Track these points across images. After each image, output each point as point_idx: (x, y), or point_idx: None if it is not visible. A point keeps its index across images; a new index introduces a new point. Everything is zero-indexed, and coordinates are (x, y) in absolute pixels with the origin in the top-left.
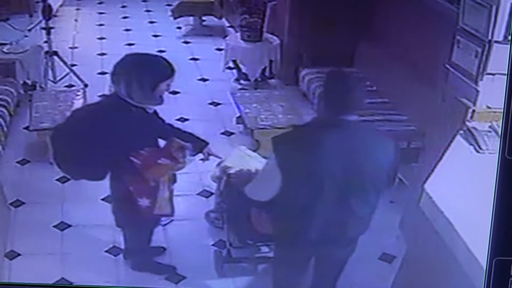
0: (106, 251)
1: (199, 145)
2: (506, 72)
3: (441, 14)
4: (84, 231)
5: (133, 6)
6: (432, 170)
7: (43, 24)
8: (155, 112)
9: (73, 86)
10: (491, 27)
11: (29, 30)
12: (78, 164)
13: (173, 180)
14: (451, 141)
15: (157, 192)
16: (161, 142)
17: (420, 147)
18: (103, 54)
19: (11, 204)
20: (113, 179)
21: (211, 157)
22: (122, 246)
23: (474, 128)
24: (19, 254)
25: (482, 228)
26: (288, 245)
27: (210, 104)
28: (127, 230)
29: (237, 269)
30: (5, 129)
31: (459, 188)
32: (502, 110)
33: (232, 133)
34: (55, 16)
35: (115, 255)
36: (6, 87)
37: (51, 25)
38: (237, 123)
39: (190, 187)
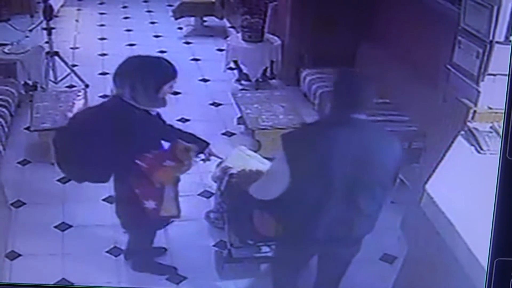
0: (107, 252)
1: (200, 145)
2: (507, 73)
3: (442, 14)
4: (85, 232)
5: (134, 7)
6: (433, 171)
7: (44, 25)
8: (158, 114)
9: (74, 86)
10: (492, 28)
11: (30, 30)
12: (81, 167)
13: (177, 181)
14: (452, 142)
15: (163, 194)
16: (163, 144)
17: (421, 147)
18: (104, 54)
19: (12, 204)
20: (118, 181)
21: (212, 157)
22: (123, 247)
23: (475, 128)
24: (20, 255)
25: (483, 229)
26: (292, 245)
27: (211, 104)
28: (132, 231)
29: (238, 269)
30: (6, 129)
31: (460, 189)
32: (503, 111)
33: (233, 134)
34: (56, 16)
35: (116, 256)
36: (7, 88)
37: (52, 26)
38: (238, 123)
39: (191, 187)
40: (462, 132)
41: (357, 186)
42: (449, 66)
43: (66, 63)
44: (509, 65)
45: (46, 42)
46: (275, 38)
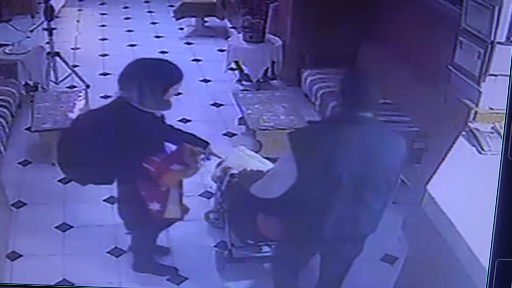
0: (108, 252)
1: (200, 145)
2: (508, 73)
3: (444, 15)
4: (85, 232)
5: (135, 7)
6: (435, 171)
7: (45, 25)
8: (162, 116)
9: (75, 87)
10: (494, 28)
11: (31, 31)
12: (86, 169)
13: (181, 183)
14: (453, 142)
15: (168, 197)
16: (167, 146)
17: (423, 148)
18: (105, 55)
19: (12, 205)
20: (122, 183)
21: (212, 157)
22: (124, 247)
23: (477, 129)
24: (20, 255)
25: (484, 229)
26: (296, 244)
27: (212, 105)
28: (135, 232)
29: (238, 269)
30: (7, 130)
31: (462, 189)
32: (504, 111)
33: (234, 134)
34: (57, 17)
35: (116, 256)
36: (8, 88)
37: (53, 26)
38: (239, 124)
39: (192, 188)
40: (464, 133)
41: (364, 183)
42: (450, 67)
43: (67, 64)
44: (510, 65)
45: (47, 43)
46: (276, 38)
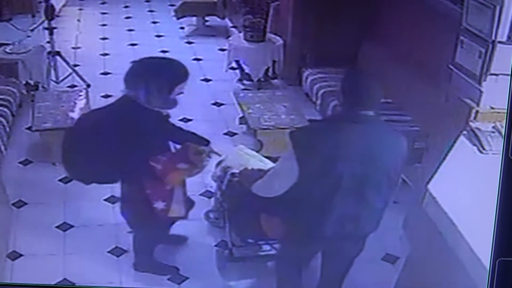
0: (109, 252)
1: (202, 144)
2: (509, 73)
3: (445, 14)
4: (86, 232)
5: (136, 6)
6: (436, 171)
7: (45, 24)
8: (167, 114)
9: (75, 86)
10: (495, 28)
11: (32, 30)
12: (91, 168)
13: (185, 182)
14: (454, 142)
15: (173, 195)
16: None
17: (424, 147)
18: (105, 54)
19: (13, 204)
20: (127, 182)
21: (213, 155)
22: (125, 247)
23: (478, 128)
24: (21, 255)
25: (485, 229)
26: (298, 242)
27: (213, 104)
28: (138, 231)
29: (239, 268)
30: (8, 129)
31: (463, 189)
32: (505, 111)
33: (235, 134)
34: (57, 16)
35: (117, 256)
36: (8, 87)
37: (53, 25)
38: (240, 123)
39: (192, 187)
40: (465, 132)
41: (365, 182)
42: (451, 66)
43: (67, 63)
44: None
45: (48, 42)
46: (277, 38)
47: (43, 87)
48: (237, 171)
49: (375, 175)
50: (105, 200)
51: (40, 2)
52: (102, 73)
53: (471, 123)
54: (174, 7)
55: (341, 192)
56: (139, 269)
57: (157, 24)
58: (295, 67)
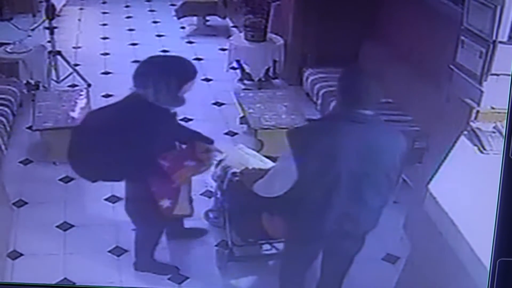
0: (109, 251)
1: (206, 143)
2: (510, 73)
3: (446, 14)
4: (87, 231)
5: (136, 6)
6: (436, 171)
7: (46, 24)
8: (175, 113)
9: (76, 86)
10: (496, 28)
11: (33, 29)
12: (98, 165)
13: (191, 181)
14: (455, 142)
15: (179, 193)
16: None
17: (424, 147)
18: (106, 54)
19: (13, 204)
20: (133, 179)
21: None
22: (126, 247)
23: (478, 128)
24: (21, 254)
25: (486, 229)
26: (299, 242)
27: (214, 104)
28: (143, 229)
29: (240, 268)
30: (8, 129)
31: (463, 189)
32: (506, 111)
33: (235, 133)
34: (58, 15)
35: (118, 256)
36: (9, 87)
37: (54, 25)
38: (241, 123)
39: (193, 187)
40: (465, 132)
41: (364, 181)
42: (452, 66)
43: (68, 63)
44: None
45: (49, 41)
46: (278, 37)
47: (43, 86)
48: (237, 170)
49: (373, 174)
50: (106, 199)
51: (41, 2)
52: (103, 73)
53: (471, 123)
54: (175, 7)
55: (339, 191)
56: (140, 268)
57: (158, 23)
58: (295, 67)
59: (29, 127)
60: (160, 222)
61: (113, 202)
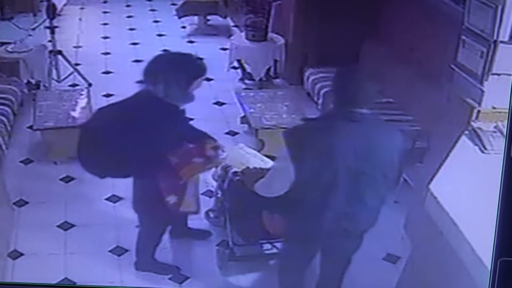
0: (110, 251)
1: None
2: (511, 72)
3: (447, 14)
4: (87, 231)
5: (137, 5)
6: (437, 170)
7: (47, 23)
8: (184, 110)
9: (77, 85)
10: (497, 27)
11: (33, 29)
12: (107, 162)
13: (198, 178)
14: (456, 141)
15: (185, 190)
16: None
17: (425, 147)
18: (107, 53)
19: (14, 203)
20: (141, 176)
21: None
22: (126, 246)
23: (479, 128)
24: (22, 254)
25: (487, 229)
26: (299, 241)
27: (215, 103)
28: (148, 226)
29: (241, 268)
30: (9, 128)
31: (464, 189)
32: (507, 110)
33: (236, 133)
34: (59, 15)
35: (118, 255)
36: (10, 86)
37: (55, 24)
38: (242, 123)
39: None
40: (466, 132)
41: (361, 179)
42: (453, 66)
43: (69, 62)
44: None
45: (49, 41)
46: (279, 37)
47: (44, 86)
48: (238, 170)
49: (370, 173)
50: (106, 199)
51: (42, 1)
52: (104, 72)
53: (473, 123)
54: (176, 6)
55: (337, 190)
56: (140, 268)
57: (159, 23)
58: (296, 66)
59: (30, 127)
60: (166, 218)
61: (114, 202)
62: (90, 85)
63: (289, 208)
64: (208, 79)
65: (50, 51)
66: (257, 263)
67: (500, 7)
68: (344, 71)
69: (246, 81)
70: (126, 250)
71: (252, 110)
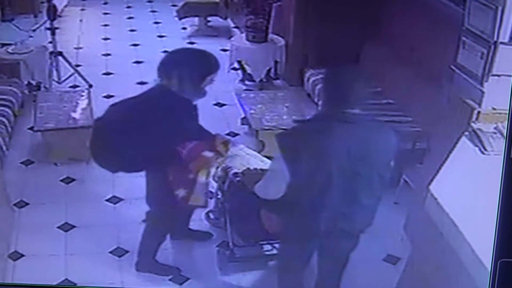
0: (110, 252)
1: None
2: (511, 73)
3: (447, 15)
4: (88, 232)
5: (138, 7)
6: (437, 171)
7: (47, 25)
8: (196, 105)
9: (77, 86)
10: (497, 28)
11: (34, 30)
12: (121, 155)
13: (209, 173)
14: (456, 142)
15: (195, 184)
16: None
17: (425, 148)
18: (107, 54)
19: (15, 204)
20: (153, 170)
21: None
22: (127, 247)
23: (479, 129)
24: (22, 255)
25: (487, 230)
26: (296, 241)
27: (215, 105)
28: (158, 220)
29: (241, 268)
30: (10, 129)
31: (464, 190)
32: (507, 111)
33: (237, 134)
34: (59, 16)
35: (119, 256)
36: (10, 88)
37: (55, 26)
38: (242, 124)
39: None
40: (466, 133)
41: (355, 180)
42: (453, 67)
43: (69, 63)
44: None
45: (50, 42)
46: (279, 38)
47: (45, 87)
48: (239, 171)
49: (365, 173)
50: (107, 200)
51: (42, 2)
52: (104, 73)
53: (473, 124)
54: (176, 8)
55: (332, 190)
56: (141, 269)
57: (159, 24)
58: (297, 67)
59: (31, 128)
60: (174, 212)
61: (114, 203)
62: (90, 86)
63: (285, 208)
64: None
65: (51, 52)
66: (257, 264)
67: (500, 8)
68: (333, 72)
69: (247, 82)
70: (127, 251)
71: (252, 111)
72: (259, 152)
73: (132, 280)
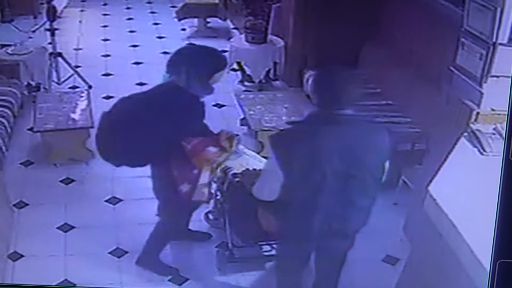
0: (110, 253)
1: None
2: (510, 74)
3: (446, 16)
4: (87, 233)
5: (137, 8)
6: (436, 172)
7: (47, 26)
8: (203, 102)
9: (77, 87)
10: (496, 30)
11: (34, 31)
12: (127, 149)
13: (213, 170)
14: (455, 143)
15: (198, 179)
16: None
17: (424, 149)
18: (107, 55)
19: (14, 205)
20: (157, 165)
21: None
22: (126, 248)
23: (478, 130)
24: (22, 256)
25: (486, 230)
26: (293, 242)
27: (214, 105)
28: (164, 215)
29: (240, 269)
30: (9, 130)
31: (463, 190)
32: (506, 112)
33: (236, 135)
34: (59, 17)
35: (118, 257)
36: (10, 88)
37: (55, 27)
38: (241, 124)
39: None
40: (465, 134)
41: (349, 180)
42: (452, 68)
43: (69, 64)
44: None
45: (50, 43)
46: (278, 39)
47: (44, 88)
48: (238, 172)
49: (357, 173)
50: (106, 201)
51: (42, 4)
52: (104, 74)
53: (471, 125)
54: (176, 9)
55: (325, 191)
56: (142, 264)
57: (159, 25)
58: (296, 68)
59: (30, 129)
60: (180, 207)
61: (114, 204)
62: (90, 87)
63: (281, 209)
64: None
65: (50, 53)
66: (256, 265)
67: (499, 9)
68: (322, 73)
69: (246, 83)
70: (126, 252)
71: (251, 112)
72: (258, 153)
73: (132, 280)
